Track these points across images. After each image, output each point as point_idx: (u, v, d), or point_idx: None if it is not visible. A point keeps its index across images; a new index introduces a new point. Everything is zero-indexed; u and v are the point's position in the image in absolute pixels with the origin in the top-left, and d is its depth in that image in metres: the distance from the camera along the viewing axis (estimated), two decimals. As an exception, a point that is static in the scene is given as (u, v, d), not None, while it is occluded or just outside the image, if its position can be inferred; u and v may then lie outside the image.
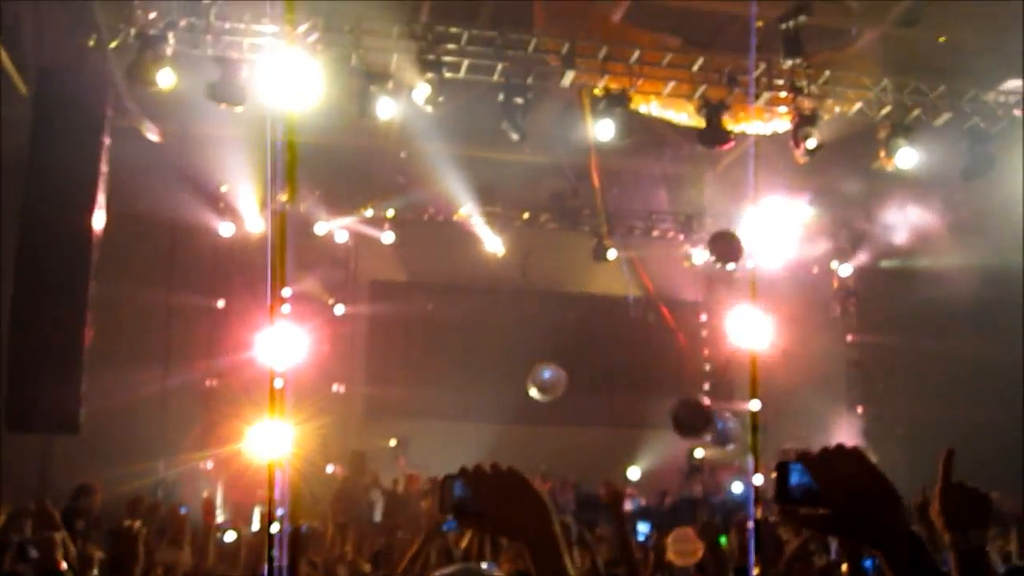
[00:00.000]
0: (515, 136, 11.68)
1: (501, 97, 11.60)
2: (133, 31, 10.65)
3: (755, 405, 19.61)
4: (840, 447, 1.90)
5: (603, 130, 11.92)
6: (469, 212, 17.61)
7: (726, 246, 15.01)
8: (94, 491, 9.07)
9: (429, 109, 11.53)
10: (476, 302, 17.85)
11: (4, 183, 11.16)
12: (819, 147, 12.21)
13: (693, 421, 15.45)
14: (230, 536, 9.40)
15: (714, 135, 11.99)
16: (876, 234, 16.41)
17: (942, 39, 12.36)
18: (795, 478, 1.86)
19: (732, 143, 12.16)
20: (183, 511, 7.92)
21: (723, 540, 6.28)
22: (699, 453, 19.11)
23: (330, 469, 15.94)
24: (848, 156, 13.86)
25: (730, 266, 15.66)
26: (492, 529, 1.90)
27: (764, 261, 16.77)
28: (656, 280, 18.06)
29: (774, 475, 1.89)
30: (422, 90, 11.30)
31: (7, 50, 11.29)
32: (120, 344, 14.20)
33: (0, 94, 11.33)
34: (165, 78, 10.58)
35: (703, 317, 19.43)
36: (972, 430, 12.98)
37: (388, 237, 17.70)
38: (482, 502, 1.91)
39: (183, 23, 10.80)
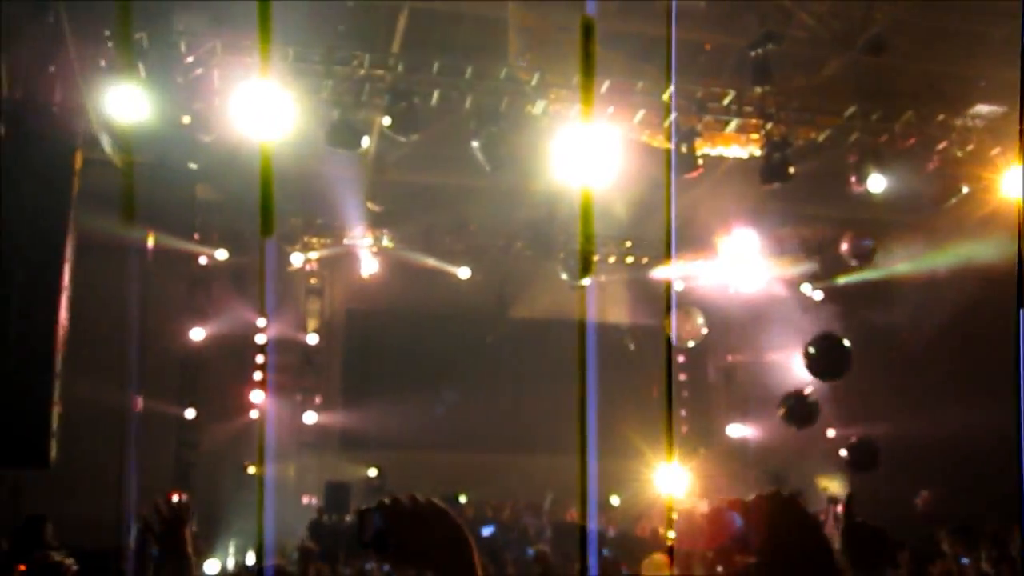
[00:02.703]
0: (488, 165, 11.68)
1: (473, 125, 11.62)
2: (103, 62, 10.63)
3: (738, 430, 19.72)
4: (776, 494, 1.89)
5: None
6: (444, 240, 17.61)
7: (830, 357, 12.88)
8: (44, 521, 9.00)
9: (401, 138, 11.53)
10: (453, 329, 17.80)
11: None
12: (793, 173, 12.27)
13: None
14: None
15: (683, 162, 12.03)
16: (849, 257, 16.42)
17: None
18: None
19: (700, 170, 12.18)
20: None
21: None
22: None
23: (305, 501, 15.87)
24: (822, 181, 13.91)
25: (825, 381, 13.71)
26: (410, 562, 1.89)
27: (739, 283, 16.82)
28: (631, 306, 18.04)
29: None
30: (393, 119, 11.30)
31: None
32: (90, 375, 14.06)
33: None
34: (135, 109, 10.53)
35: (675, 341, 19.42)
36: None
37: (367, 266, 17.64)
38: (401, 534, 1.91)
39: (153, 54, 10.78)
